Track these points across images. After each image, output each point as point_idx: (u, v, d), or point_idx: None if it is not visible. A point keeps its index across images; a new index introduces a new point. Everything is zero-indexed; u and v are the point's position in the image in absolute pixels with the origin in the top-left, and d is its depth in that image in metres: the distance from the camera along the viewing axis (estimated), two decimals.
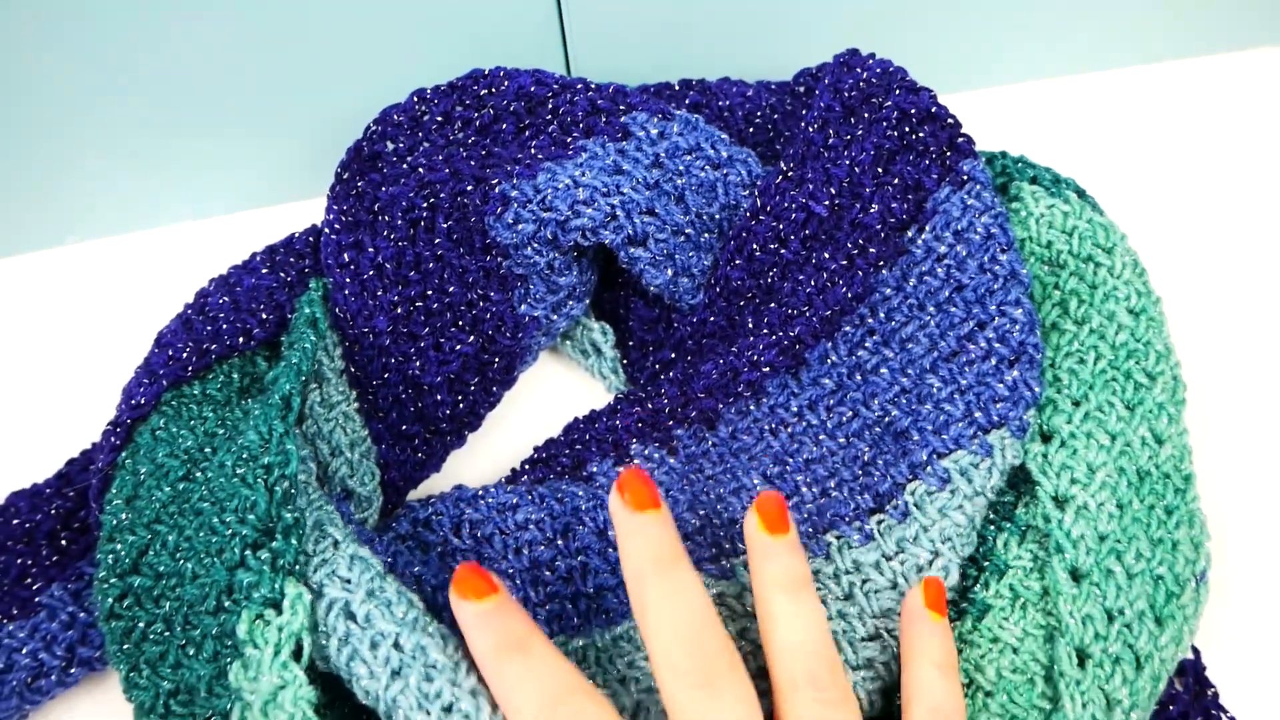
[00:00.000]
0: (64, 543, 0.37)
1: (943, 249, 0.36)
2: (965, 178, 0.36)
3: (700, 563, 0.34)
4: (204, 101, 0.42)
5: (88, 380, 0.42)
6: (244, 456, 0.31)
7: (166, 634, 0.31)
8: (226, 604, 0.30)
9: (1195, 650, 0.37)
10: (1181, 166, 0.50)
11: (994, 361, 0.34)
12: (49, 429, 0.41)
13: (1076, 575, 0.33)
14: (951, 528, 0.32)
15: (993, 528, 0.34)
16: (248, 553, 0.30)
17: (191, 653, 0.31)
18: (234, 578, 0.30)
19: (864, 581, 0.32)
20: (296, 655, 0.29)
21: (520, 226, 0.36)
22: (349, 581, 0.30)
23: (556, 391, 0.43)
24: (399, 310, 0.37)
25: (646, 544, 0.29)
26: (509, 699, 0.28)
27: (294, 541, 0.30)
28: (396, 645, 0.29)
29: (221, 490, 0.31)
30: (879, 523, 0.33)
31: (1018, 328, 0.34)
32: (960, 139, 0.37)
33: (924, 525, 0.32)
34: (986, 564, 0.34)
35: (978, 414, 0.33)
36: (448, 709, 0.29)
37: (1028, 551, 0.34)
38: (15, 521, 0.37)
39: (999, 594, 0.33)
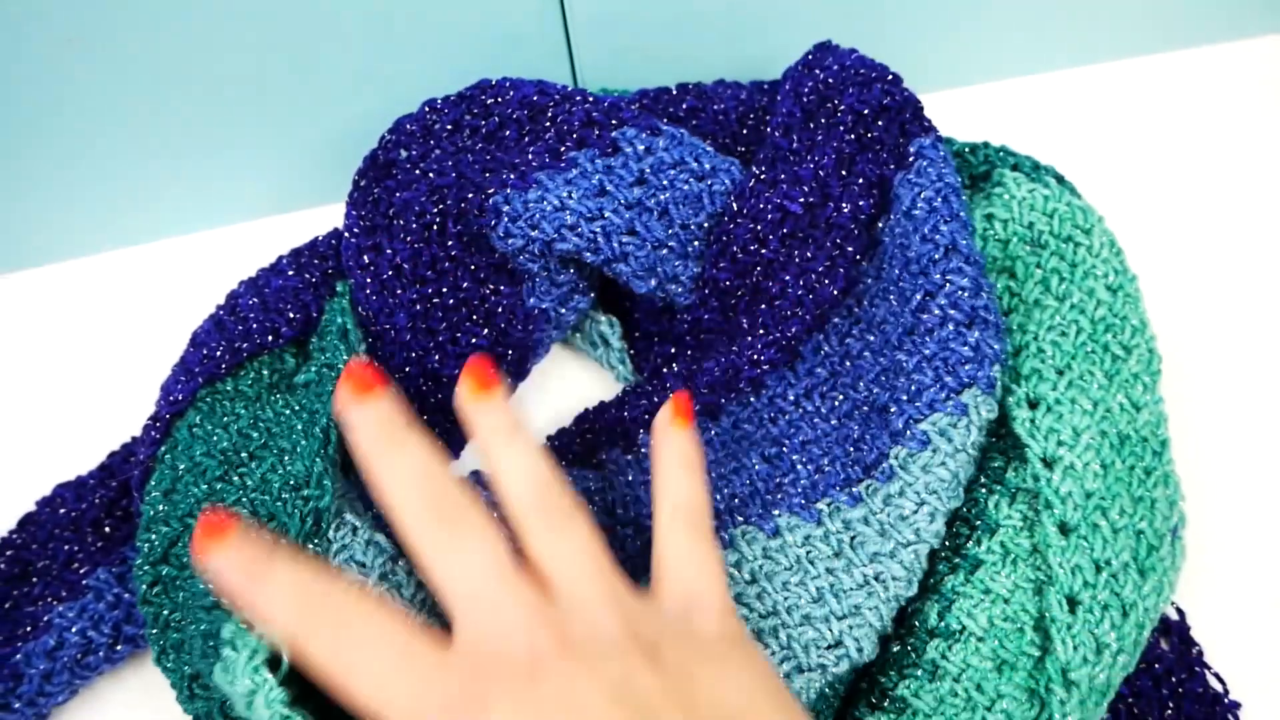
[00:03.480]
0: (108, 529, 0.41)
1: (898, 230, 0.39)
2: (912, 157, 0.39)
3: None
4: (228, 114, 0.46)
5: (126, 380, 0.46)
6: (290, 483, 0.34)
7: (183, 623, 0.35)
8: (223, 604, 0.33)
9: (1180, 612, 0.40)
10: (1161, 158, 0.52)
11: (951, 327, 0.36)
12: (91, 426, 0.44)
13: (1065, 529, 0.36)
14: (936, 482, 0.35)
15: (984, 490, 0.37)
16: None
17: (196, 646, 0.34)
18: None
19: (853, 537, 0.35)
20: (275, 665, 0.31)
21: (511, 241, 0.40)
22: (365, 565, 0.33)
23: (568, 384, 0.46)
24: (417, 307, 0.40)
25: (372, 424, 0.31)
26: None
27: None
28: None
29: (263, 507, 0.34)
30: (866, 486, 0.36)
31: (966, 293, 0.36)
32: (911, 124, 0.40)
33: (908, 482, 0.35)
34: (979, 523, 0.37)
35: (947, 378, 0.36)
36: None
37: (1018, 512, 0.37)
38: (62, 510, 0.41)
39: (990, 550, 0.36)
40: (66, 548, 0.40)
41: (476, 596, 0.29)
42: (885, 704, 0.35)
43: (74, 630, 0.39)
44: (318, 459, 0.34)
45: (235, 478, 0.35)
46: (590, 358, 0.46)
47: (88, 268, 0.51)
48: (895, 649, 0.36)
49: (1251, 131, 0.53)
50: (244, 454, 0.36)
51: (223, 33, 0.43)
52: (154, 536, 0.35)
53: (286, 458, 0.35)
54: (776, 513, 0.37)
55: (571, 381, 0.46)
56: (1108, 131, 0.53)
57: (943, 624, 0.35)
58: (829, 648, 0.33)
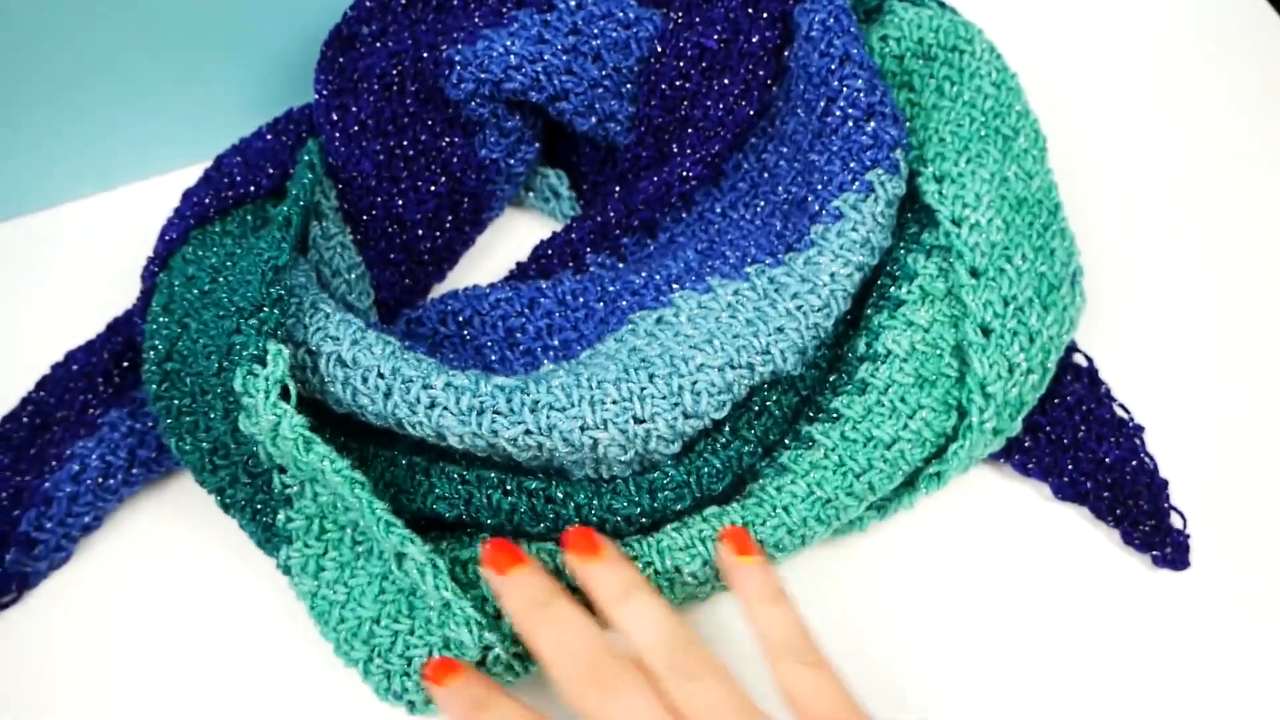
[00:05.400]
0: (117, 379, 0.46)
1: (800, 53, 0.45)
2: None
3: (645, 303, 0.43)
4: (187, 43, 0.50)
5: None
6: (256, 259, 0.41)
7: (193, 405, 0.40)
8: (225, 365, 0.38)
9: (1089, 359, 0.45)
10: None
11: (852, 123, 0.43)
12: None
13: (975, 274, 0.42)
14: (849, 243, 0.41)
15: (903, 250, 0.44)
16: (241, 321, 0.39)
17: (213, 416, 0.39)
18: (231, 342, 0.38)
19: (777, 288, 0.40)
20: (285, 396, 0.37)
21: (463, 86, 0.46)
22: (337, 338, 0.39)
23: (526, 242, 0.51)
24: (381, 157, 0.46)
25: (521, 593, 0.37)
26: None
27: (276, 312, 0.38)
28: (380, 374, 0.38)
29: (238, 284, 0.40)
30: (789, 256, 0.42)
31: (861, 93, 0.43)
32: None
33: (824, 246, 0.41)
34: (900, 274, 0.43)
35: (852, 164, 0.42)
36: (430, 405, 0.37)
37: (934, 264, 0.43)
38: (75, 368, 0.47)
39: (910, 292, 0.42)
40: (82, 397, 0.46)
41: None
42: (820, 416, 0.40)
43: (94, 457, 0.44)
44: (277, 232, 0.41)
45: (221, 279, 0.41)
46: (544, 213, 0.52)
47: (82, 209, 0.55)
48: (832, 377, 0.41)
49: None
50: (229, 263, 0.41)
51: None
52: (157, 341, 0.41)
53: (257, 248, 0.41)
54: (710, 278, 0.42)
55: (532, 238, 0.51)
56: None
57: (870, 350, 0.41)
58: (758, 353, 0.38)
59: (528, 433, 0.37)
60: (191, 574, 0.44)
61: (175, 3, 0.49)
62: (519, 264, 0.48)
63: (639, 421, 0.37)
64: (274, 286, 0.39)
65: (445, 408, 0.37)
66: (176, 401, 0.41)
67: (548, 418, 0.37)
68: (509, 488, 0.39)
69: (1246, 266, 0.49)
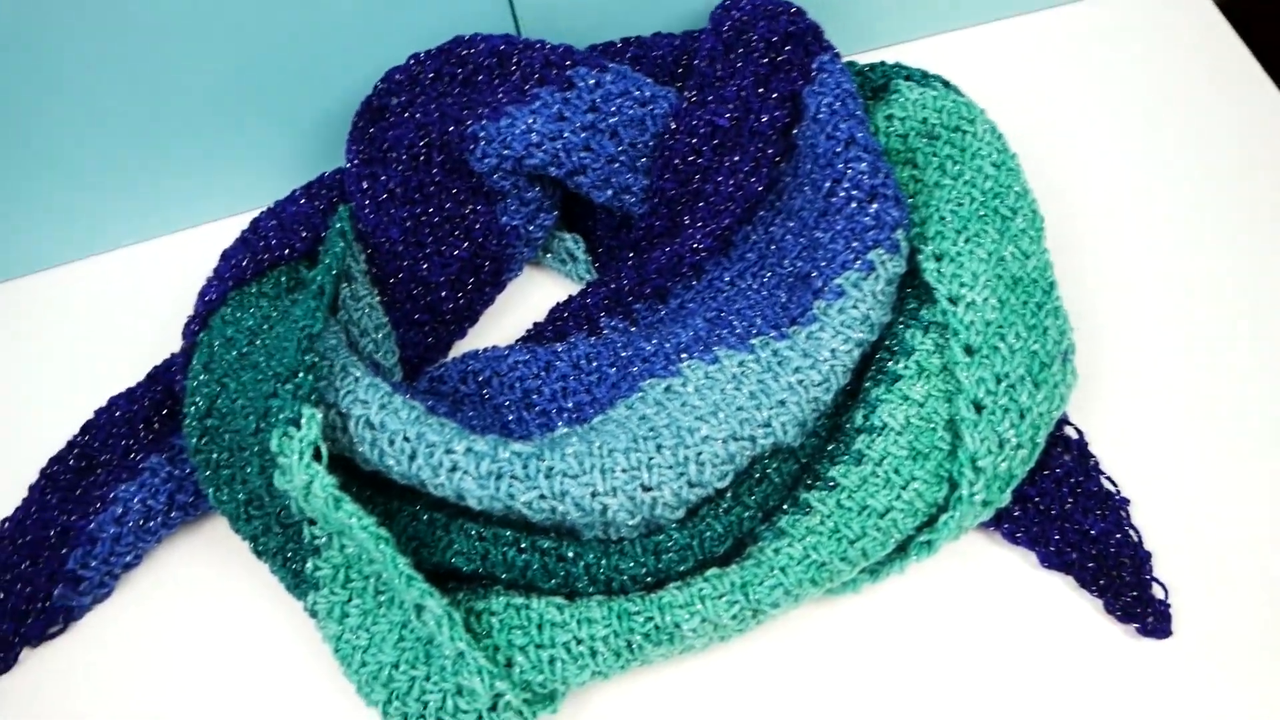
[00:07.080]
0: (157, 426, 0.50)
1: (808, 133, 0.48)
2: (814, 72, 0.48)
3: (654, 371, 0.46)
4: (225, 106, 0.54)
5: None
6: (291, 326, 0.44)
7: (231, 459, 0.44)
8: (262, 426, 0.42)
9: (1079, 431, 0.48)
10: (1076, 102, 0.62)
11: (855, 204, 0.46)
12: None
13: (970, 351, 0.45)
14: (850, 320, 0.44)
15: (902, 325, 0.47)
16: (278, 386, 0.42)
17: (249, 470, 0.43)
18: (268, 404, 0.42)
19: (780, 361, 0.44)
20: (318, 457, 0.41)
21: (486, 160, 0.50)
22: (366, 402, 0.43)
23: (543, 300, 0.55)
24: (408, 224, 0.50)
25: None
26: None
27: (310, 377, 0.42)
28: (405, 438, 0.42)
29: (275, 348, 0.44)
30: (793, 330, 0.45)
31: (865, 175, 0.46)
32: (813, 46, 0.50)
33: (826, 322, 0.44)
34: (898, 349, 0.46)
35: (855, 243, 0.45)
36: (452, 469, 0.41)
37: (930, 340, 0.46)
38: (118, 414, 0.51)
39: (907, 367, 0.45)
40: (124, 442, 0.50)
41: None
42: (818, 484, 0.44)
43: (135, 500, 0.48)
44: (312, 300, 0.44)
45: (258, 342, 0.44)
46: (561, 274, 0.56)
47: (114, 260, 0.60)
48: (830, 446, 0.45)
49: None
50: (265, 326, 0.45)
51: (210, 32, 0.51)
52: (198, 398, 0.45)
53: (293, 315, 0.44)
54: (717, 349, 0.45)
55: (549, 297, 0.55)
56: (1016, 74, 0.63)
57: (867, 423, 0.44)
58: (760, 425, 0.42)
59: (542, 497, 0.40)
60: (224, 612, 0.48)
61: (224, 71, 0.53)
62: (536, 325, 0.52)
63: (646, 489, 0.41)
64: (309, 354, 0.42)
65: (466, 472, 0.41)
66: (215, 455, 0.44)
67: (561, 484, 0.40)
68: (523, 545, 0.42)
69: (1237, 346, 0.52)
